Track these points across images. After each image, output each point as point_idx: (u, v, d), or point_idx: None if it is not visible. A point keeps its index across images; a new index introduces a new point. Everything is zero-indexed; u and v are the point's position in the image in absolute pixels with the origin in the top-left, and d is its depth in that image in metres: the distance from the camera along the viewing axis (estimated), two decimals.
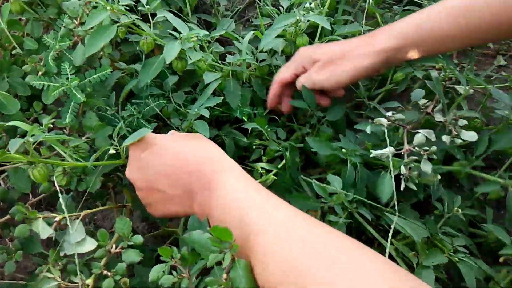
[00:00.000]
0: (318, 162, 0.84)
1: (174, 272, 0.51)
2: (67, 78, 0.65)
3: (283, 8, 0.93)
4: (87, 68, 0.76)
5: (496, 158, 0.80)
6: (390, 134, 0.66)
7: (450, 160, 0.77)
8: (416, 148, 0.63)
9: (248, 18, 1.14)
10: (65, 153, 0.60)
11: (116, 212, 0.71)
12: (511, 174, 0.70)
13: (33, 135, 0.54)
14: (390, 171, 0.62)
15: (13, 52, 0.75)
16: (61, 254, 0.59)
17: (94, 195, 0.72)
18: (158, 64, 0.70)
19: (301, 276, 0.40)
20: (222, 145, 0.79)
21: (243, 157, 0.86)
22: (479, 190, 0.68)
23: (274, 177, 0.76)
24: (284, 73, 0.78)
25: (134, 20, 0.70)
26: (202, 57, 0.74)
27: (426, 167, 0.62)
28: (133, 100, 0.84)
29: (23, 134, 0.62)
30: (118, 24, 0.68)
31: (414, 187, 0.64)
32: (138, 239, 0.58)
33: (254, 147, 0.84)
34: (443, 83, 0.84)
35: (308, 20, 0.81)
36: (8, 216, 0.61)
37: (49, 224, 0.56)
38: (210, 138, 0.69)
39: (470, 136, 0.65)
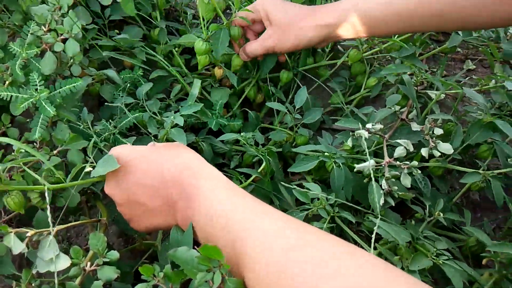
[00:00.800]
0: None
1: None
2: (36, 89, 0.62)
3: None
4: (55, 78, 0.72)
5: (472, 162, 0.82)
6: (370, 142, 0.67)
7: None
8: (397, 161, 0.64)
9: None
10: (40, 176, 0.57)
11: (91, 227, 0.68)
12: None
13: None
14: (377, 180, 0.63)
15: None
16: (34, 272, 0.55)
17: (67, 210, 0.69)
18: None
19: (285, 279, 0.39)
20: (199, 151, 0.78)
21: (221, 164, 0.85)
22: (464, 181, 0.69)
23: (253, 183, 0.75)
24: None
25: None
26: None
27: (406, 181, 0.63)
28: (105, 107, 0.82)
29: None
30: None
31: (393, 203, 0.64)
32: (114, 255, 0.55)
33: (232, 153, 0.83)
34: (415, 88, 0.85)
35: None
36: None
37: (22, 239, 0.53)
38: (187, 145, 0.67)
39: (446, 149, 0.66)
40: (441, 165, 0.70)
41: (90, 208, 0.74)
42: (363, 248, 0.70)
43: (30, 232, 0.53)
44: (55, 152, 0.68)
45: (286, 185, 0.76)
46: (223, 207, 0.49)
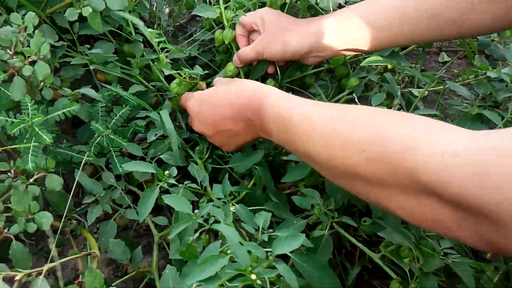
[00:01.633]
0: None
1: None
2: (27, 114, 0.57)
3: None
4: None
5: None
6: None
7: None
8: None
9: (191, 33, 1.09)
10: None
11: (80, 260, 0.63)
12: None
13: None
14: None
15: None
16: None
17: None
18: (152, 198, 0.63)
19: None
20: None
21: (211, 179, 0.81)
22: None
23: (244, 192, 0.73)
24: (247, 18, 0.84)
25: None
26: None
27: None
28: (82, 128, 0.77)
29: None
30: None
31: None
32: None
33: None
34: (398, 86, 0.85)
35: None
36: None
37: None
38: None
39: None
40: None
41: (75, 237, 0.69)
42: (363, 252, 0.69)
43: (19, 275, 0.49)
44: (31, 180, 0.63)
45: (279, 193, 0.75)
46: (283, 109, 0.60)
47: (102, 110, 0.76)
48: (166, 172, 0.63)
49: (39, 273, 0.52)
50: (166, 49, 0.75)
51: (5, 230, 0.58)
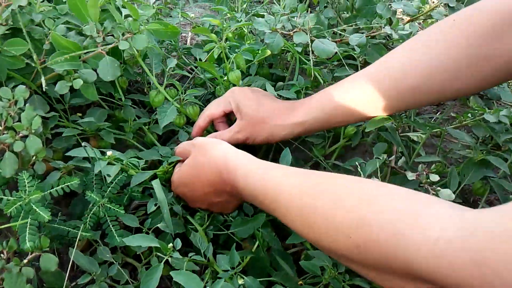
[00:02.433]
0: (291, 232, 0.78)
1: None
2: (24, 191, 0.55)
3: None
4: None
5: (464, 199, 0.80)
6: None
7: None
8: None
9: (184, 90, 1.09)
10: None
11: None
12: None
13: None
14: None
15: None
16: None
17: None
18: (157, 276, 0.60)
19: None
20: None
21: (213, 241, 0.78)
22: None
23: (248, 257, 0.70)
24: (214, 109, 0.81)
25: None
26: None
27: None
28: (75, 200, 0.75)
29: None
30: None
31: None
32: None
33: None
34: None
35: None
36: None
37: None
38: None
39: (448, 195, 0.63)
40: None
41: None
42: None
43: None
44: (25, 261, 0.59)
45: (290, 252, 0.71)
46: (259, 186, 0.59)
47: (96, 178, 0.73)
48: (170, 245, 0.60)
49: None
50: None
51: None
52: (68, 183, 0.61)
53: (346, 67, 0.87)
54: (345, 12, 1.08)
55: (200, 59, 1.03)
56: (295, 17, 0.78)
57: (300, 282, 0.68)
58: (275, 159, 0.81)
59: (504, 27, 0.61)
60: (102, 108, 0.83)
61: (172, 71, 1.01)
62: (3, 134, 0.61)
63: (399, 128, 0.86)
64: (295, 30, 0.78)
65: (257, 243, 0.71)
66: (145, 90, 0.98)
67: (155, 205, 0.72)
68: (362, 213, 0.44)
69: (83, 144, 0.77)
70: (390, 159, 0.76)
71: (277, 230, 0.81)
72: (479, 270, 0.34)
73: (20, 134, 0.61)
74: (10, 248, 0.59)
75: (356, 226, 0.44)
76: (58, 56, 0.72)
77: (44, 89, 0.72)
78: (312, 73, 0.85)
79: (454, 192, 0.69)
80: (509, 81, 0.98)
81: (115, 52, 0.80)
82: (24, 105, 0.65)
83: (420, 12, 1.01)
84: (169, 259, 0.61)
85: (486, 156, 0.70)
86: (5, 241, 0.60)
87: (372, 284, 0.68)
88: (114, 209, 0.67)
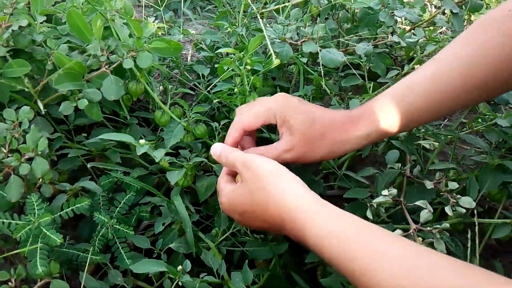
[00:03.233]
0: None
1: None
2: (34, 214, 0.53)
3: None
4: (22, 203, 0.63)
5: (482, 206, 0.78)
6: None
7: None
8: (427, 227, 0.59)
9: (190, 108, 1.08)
10: None
11: None
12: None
13: None
14: None
15: None
16: None
17: None
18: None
19: None
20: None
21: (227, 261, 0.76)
22: (496, 236, 0.64)
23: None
24: (251, 121, 0.68)
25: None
26: None
27: (441, 246, 0.57)
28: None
29: None
30: None
31: None
32: None
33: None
34: None
35: None
36: None
37: None
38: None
39: (468, 202, 0.61)
40: (465, 221, 0.65)
41: None
42: None
43: None
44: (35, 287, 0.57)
45: (305, 268, 0.69)
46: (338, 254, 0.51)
47: (103, 199, 0.71)
48: (180, 267, 0.57)
49: None
50: None
51: None
52: (78, 205, 0.58)
53: (357, 75, 0.85)
54: (346, 23, 1.08)
55: (203, 75, 1.02)
56: (302, 27, 0.77)
57: None
58: None
59: None
60: (107, 128, 0.81)
61: (176, 89, 1.00)
62: (8, 157, 0.59)
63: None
64: (303, 40, 0.77)
65: (273, 261, 0.68)
66: (150, 108, 0.97)
67: (163, 224, 0.70)
68: None
69: (88, 165, 0.76)
70: (405, 168, 0.74)
71: (290, 245, 0.79)
72: None
73: (26, 156, 0.60)
74: (18, 275, 0.57)
75: None
76: (62, 76, 0.70)
77: (43, 112, 0.70)
78: (322, 83, 0.83)
79: (474, 200, 0.67)
80: None
81: (118, 71, 0.78)
82: (29, 127, 0.63)
83: (422, 20, 1.01)
84: (180, 282, 0.59)
85: (502, 161, 0.68)
86: (12, 268, 0.58)
87: None
88: (123, 230, 0.64)
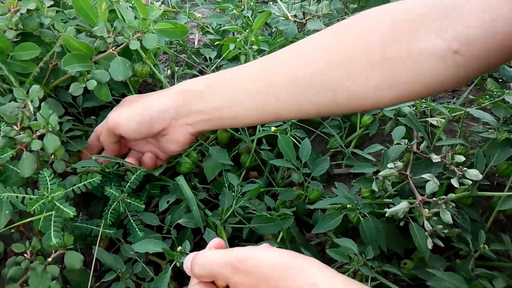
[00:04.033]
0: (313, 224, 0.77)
1: None
2: (47, 189, 0.54)
3: None
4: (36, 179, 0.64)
5: (491, 182, 0.78)
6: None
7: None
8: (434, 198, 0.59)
9: None
10: None
11: None
12: None
13: None
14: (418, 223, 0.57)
15: None
16: None
17: None
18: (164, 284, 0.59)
19: None
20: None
21: (233, 237, 0.77)
22: (503, 208, 0.64)
23: None
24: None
25: None
26: None
27: (447, 216, 0.57)
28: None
29: None
30: None
31: (441, 244, 0.58)
32: None
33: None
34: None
35: None
36: None
37: None
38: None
39: (475, 175, 0.62)
40: (472, 194, 0.65)
41: None
42: None
43: None
44: (50, 259, 0.58)
45: (313, 243, 0.70)
46: None
47: (114, 177, 0.72)
48: (179, 248, 0.58)
49: None
50: None
51: None
52: (90, 180, 0.60)
53: None
54: (353, 3, 1.07)
55: (210, 58, 1.03)
56: (307, 5, 0.77)
57: None
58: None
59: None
60: None
61: (182, 71, 1.00)
62: (20, 134, 0.60)
63: (417, 114, 0.85)
64: (308, 17, 0.77)
65: (281, 235, 0.69)
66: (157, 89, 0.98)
67: (167, 202, 0.71)
68: None
69: None
70: (411, 144, 0.74)
71: (299, 222, 0.80)
72: None
73: (37, 133, 0.61)
74: (33, 247, 0.59)
75: None
76: (70, 57, 0.71)
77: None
78: None
79: (481, 173, 0.67)
80: None
81: (125, 52, 0.79)
82: (39, 107, 0.65)
83: None
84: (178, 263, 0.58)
85: (510, 135, 0.68)
86: (27, 241, 0.59)
87: (402, 270, 0.67)
88: (134, 204, 0.65)
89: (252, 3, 1.10)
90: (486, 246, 0.62)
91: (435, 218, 0.58)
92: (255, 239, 0.75)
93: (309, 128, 0.87)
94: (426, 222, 0.58)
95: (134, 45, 0.74)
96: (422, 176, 0.62)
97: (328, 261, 0.68)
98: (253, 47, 0.78)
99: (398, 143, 0.75)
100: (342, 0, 1.03)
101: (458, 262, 0.63)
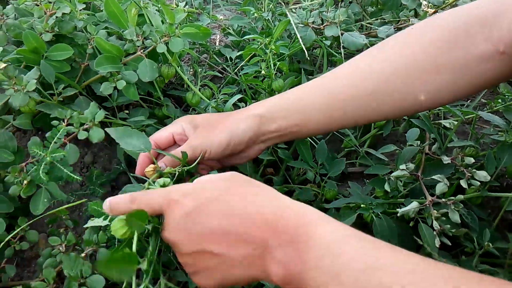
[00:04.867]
0: None
1: None
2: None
3: None
4: None
5: (501, 183, 0.81)
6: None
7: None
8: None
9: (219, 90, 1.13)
10: None
11: None
12: None
13: None
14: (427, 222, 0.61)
15: None
16: None
17: None
18: None
19: None
20: None
21: None
22: (509, 208, 0.68)
23: None
24: (160, 133, 0.70)
25: None
26: None
27: (455, 216, 0.61)
28: None
29: None
30: None
31: (449, 242, 0.62)
32: None
33: None
34: None
35: None
36: None
37: None
38: None
39: (483, 176, 0.65)
40: (481, 194, 0.68)
41: None
42: None
43: None
44: (83, 255, 0.63)
45: None
46: (358, 264, 0.40)
47: None
48: None
49: None
50: None
51: None
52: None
53: None
54: (370, 7, 1.10)
55: (230, 58, 1.07)
56: (325, 12, 0.81)
57: None
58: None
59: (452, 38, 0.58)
60: (142, 108, 0.88)
61: (204, 72, 1.05)
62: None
63: (430, 115, 0.87)
64: (325, 24, 0.81)
65: None
66: (183, 89, 1.02)
67: None
68: None
69: None
70: (424, 145, 0.77)
71: None
72: None
73: (84, 126, 0.66)
74: (68, 241, 0.64)
75: None
76: (102, 59, 0.77)
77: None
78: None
79: (491, 176, 0.70)
80: None
81: (152, 55, 0.84)
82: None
83: (446, 2, 1.02)
84: None
85: None
86: (63, 235, 0.65)
87: None
88: None
89: (272, 6, 1.14)
90: (490, 244, 0.65)
91: (444, 218, 0.62)
92: None
93: None
94: (434, 222, 0.61)
95: (161, 48, 0.79)
96: (434, 177, 0.65)
97: None
98: (273, 51, 0.82)
99: (411, 145, 0.78)
100: (360, 4, 1.06)
101: (463, 259, 0.66)
